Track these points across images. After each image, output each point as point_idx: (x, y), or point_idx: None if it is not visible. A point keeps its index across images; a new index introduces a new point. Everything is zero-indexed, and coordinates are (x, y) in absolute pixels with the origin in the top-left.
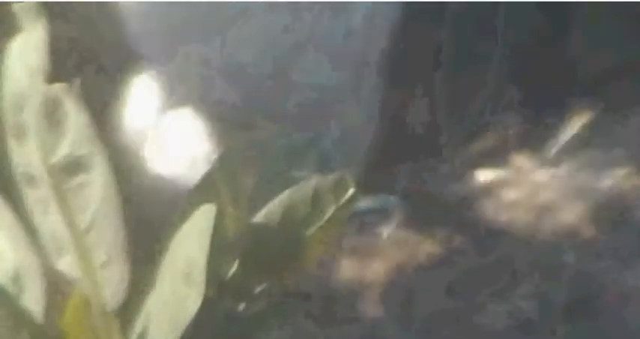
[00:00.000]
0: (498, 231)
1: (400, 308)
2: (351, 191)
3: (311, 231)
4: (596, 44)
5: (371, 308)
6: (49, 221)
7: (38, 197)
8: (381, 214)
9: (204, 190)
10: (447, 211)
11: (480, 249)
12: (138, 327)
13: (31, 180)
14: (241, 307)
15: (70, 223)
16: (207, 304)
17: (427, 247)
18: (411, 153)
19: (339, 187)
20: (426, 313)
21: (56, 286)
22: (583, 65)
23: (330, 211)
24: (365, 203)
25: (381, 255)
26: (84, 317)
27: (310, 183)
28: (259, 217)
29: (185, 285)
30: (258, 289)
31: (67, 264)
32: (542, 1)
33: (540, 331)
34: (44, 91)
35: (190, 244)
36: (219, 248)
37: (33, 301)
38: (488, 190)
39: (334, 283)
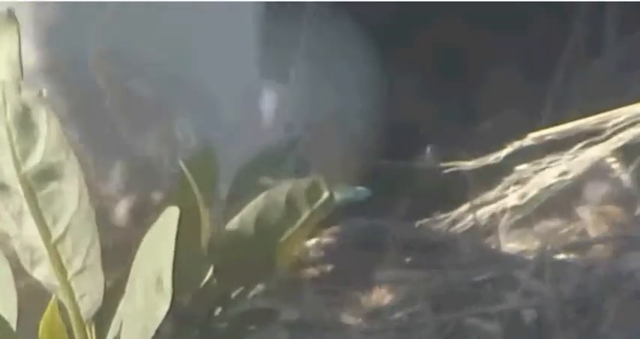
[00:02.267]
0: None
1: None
2: (325, 195)
3: (285, 235)
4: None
5: None
6: (24, 230)
7: (12, 207)
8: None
9: (178, 194)
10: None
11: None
12: (111, 334)
13: (4, 189)
14: (217, 312)
15: (44, 232)
16: (182, 311)
17: None
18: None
19: (313, 191)
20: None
21: (32, 295)
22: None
23: (304, 216)
24: (339, 195)
25: None
26: (60, 326)
27: (284, 187)
28: (233, 222)
29: (153, 290)
30: (233, 295)
31: (42, 273)
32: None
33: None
34: (15, 99)
35: (156, 248)
36: (193, 254)
37: (7, 310)
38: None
39: None
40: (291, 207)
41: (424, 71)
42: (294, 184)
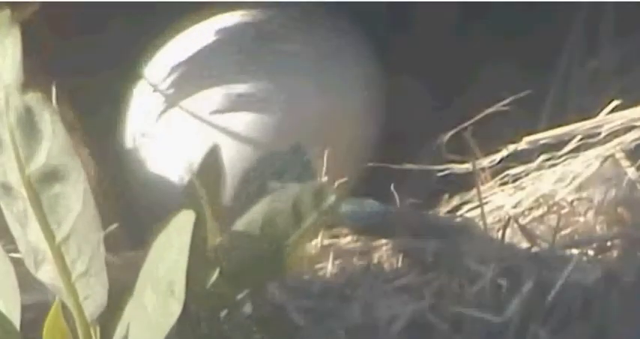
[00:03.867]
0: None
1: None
2: (331, 199)
3: (291, 239)
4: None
5: None
6: (28, 232)
7: (16, 209)
8: (366, 219)
9: (186, 197)
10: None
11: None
12: (117, 337)
13: (8, 192)
14: (222, 315)
15: (48, 234)
16: (188, 314)
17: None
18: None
19: (319, 195)
20: None
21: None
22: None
23: (310, 220)
24: (348, 208)
25: None
26: (63, 328)
27: (290, 191)
28: (239, 224)
29: (165, 293)
30: (238, 298)
31: (46, 274)
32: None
33: None
34: (18, 101)
35: (169, 251)
36: (199, 257)
37: (12, 311)
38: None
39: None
40: (297, 211)
41: (421, 71)
42: (301, 188)
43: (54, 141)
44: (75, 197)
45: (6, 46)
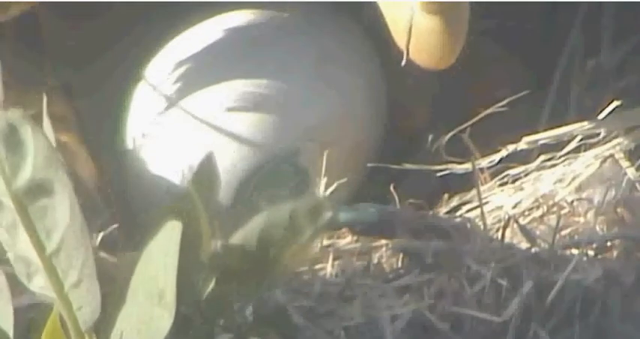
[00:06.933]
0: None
1: None
2: (327, 214)
3: (287, 252)
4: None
5: None
6: (18, 243)
7: (6, 221)
8: (362, 225)
9: (180, 207)
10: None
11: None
12: None
13: None
14: (220, 323)
15: (39, 246)
16: (185, 323)
17: None
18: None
19: (316, 210)
20: None
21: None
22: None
23: (307, 234)
24: (345, 215)
25: None
26: (62, 337)
27: (287, 205)
28: (236, 238)
29: (155, 304)
30: (235, 307)
31: (38, 285)
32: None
33: None
34: (1, 118)
35: (158, 261)
36: (196, 265)
37: (4, 323)
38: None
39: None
40: (293, 226)
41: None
42: (297, 203)
43: (38, 156)
44: (62, 210)
45: None
